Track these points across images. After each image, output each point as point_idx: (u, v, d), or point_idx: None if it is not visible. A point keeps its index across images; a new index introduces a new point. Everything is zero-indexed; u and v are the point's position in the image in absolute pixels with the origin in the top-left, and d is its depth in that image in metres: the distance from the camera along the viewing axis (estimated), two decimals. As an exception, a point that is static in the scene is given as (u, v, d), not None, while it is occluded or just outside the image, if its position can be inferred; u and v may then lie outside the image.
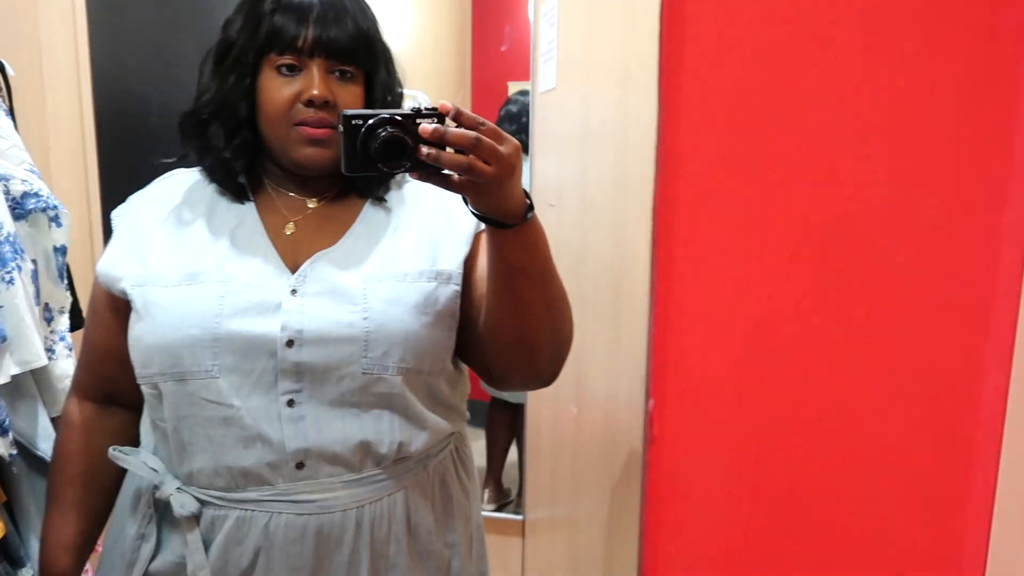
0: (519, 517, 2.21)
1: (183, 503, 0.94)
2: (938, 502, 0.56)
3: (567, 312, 0.96)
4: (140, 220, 1.02)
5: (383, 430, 0.95)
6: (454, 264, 0.99)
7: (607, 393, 1.43)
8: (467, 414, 1.09)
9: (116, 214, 1.05)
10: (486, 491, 2.64)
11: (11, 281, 1.20)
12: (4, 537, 1.23)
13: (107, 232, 2.03)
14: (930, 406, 0.55)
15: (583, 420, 1.59)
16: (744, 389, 0.84)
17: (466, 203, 0.83)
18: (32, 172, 1.31)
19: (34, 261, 1.31)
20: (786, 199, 0.75)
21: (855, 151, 0.62)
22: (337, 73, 0.95)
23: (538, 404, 2.03)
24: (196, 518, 0.95)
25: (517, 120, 2.34)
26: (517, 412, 2.66)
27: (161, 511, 0.99)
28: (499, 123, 2.30)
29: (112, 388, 1.07)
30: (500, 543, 2.22)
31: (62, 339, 1.37)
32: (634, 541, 1.13)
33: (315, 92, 0.92)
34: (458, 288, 0.99)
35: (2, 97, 1.35)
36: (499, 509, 2.60)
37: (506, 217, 0.82)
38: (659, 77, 1.00)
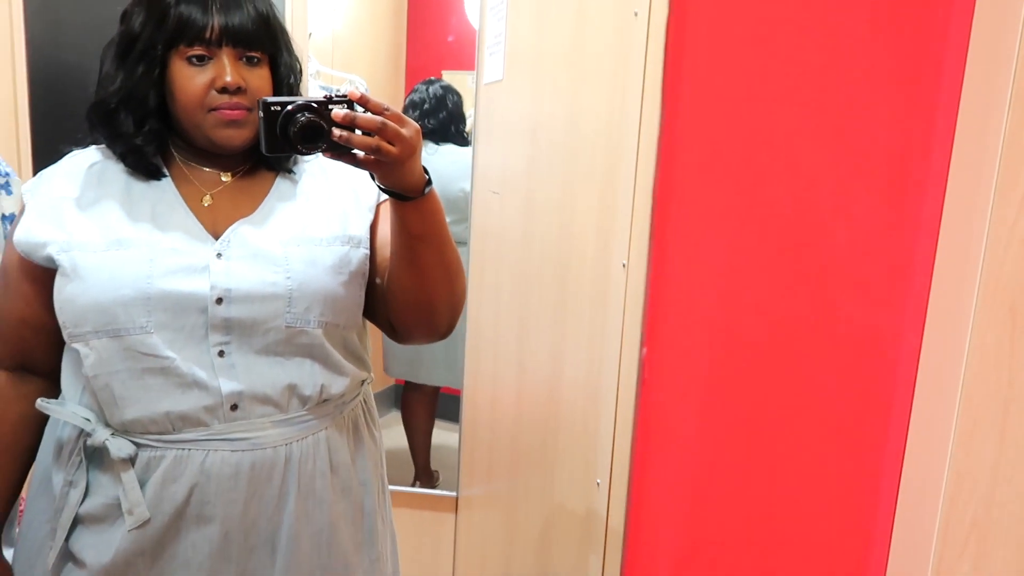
0: (452, 494, 2.28)
1: (119, 447, 1.01)
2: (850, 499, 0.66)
3: (461, 274, 1.09)
4: (53, 194, 1.06)
5: (306, 375, 1.06)
6: (362, 230, 1.10)
7: (551, 372, 1.50)
8: (371, 366, 1.21)
9: (27, 188, 1.08)
10: (417, 480, 2.71)
11: (-39, 248, 1.19)
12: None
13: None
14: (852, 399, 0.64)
15: (525, 401, 1.66)
16: (709, 390, 0.93)
17: (373, 178, 0.95)
18: (-19, 139, 1.29)
19: (-18, 229, 1.29)
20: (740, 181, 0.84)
21: (806, 150, 0.71)
22: (245, 59, 1.03)
23: (474, 385, 2.09)
24: (131, 461, 1.01)
25: (420, 107, 2.56)
26: (432, 396, 2.76)
27: (90, 457, 1.04)
28: (403, 110, 2.54)
29: (26, 357, 1.11)
30: (433, 518, 2.29)
31: (8, 309, 1.35)
32: (620, 510, 1.20)
33: (228, 80, 1.00)
34: (367, 252, 1.10)
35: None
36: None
37: (408, 190, 0.95)
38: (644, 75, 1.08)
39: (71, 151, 1.11)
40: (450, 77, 2.89)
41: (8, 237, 1.06)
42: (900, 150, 0.59)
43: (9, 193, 1.31)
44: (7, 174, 1.29)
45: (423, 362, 2.68)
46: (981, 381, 0.50)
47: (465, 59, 2.64)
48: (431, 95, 2.58)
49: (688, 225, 1.00)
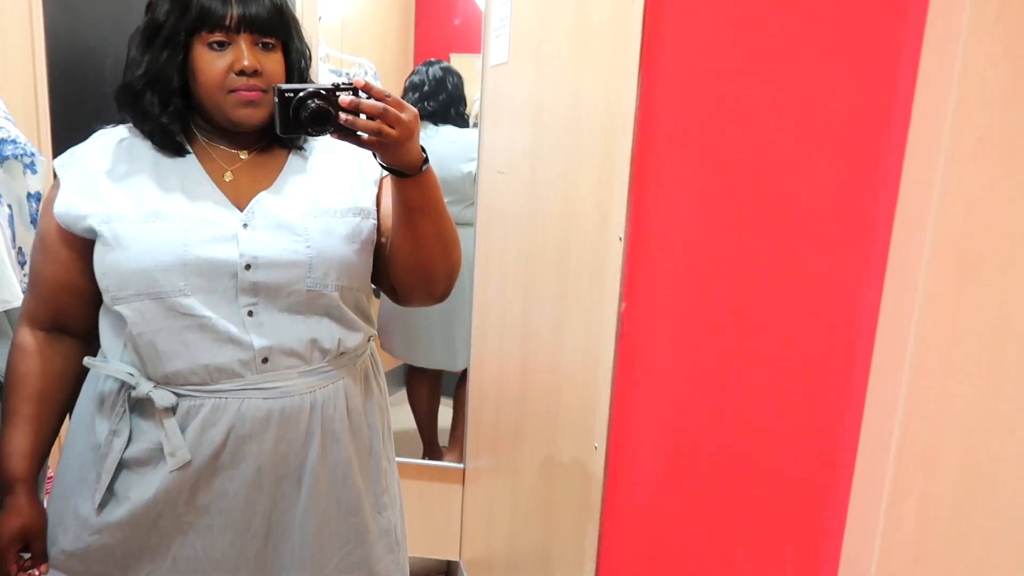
0: (459, 466, 2.34)
1: (163, 397, 1.12)
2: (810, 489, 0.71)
3: (456, 243, 1.22)
4: (87, 169, 1.15)
5: (325, 331, 1.18)
6: (370, 203, 1.23)
7: (553, 345, 1.56)
8: (375, 324, 1.33)
9: (59, 163, 1.18)
10: (425, 455, 2.78)
11: (-9, 223, 1.25)
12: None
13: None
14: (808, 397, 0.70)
15: (529, 373, 1.72)
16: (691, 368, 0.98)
17: (375, 157, 1.07)
18: (7, 119, 1.34)
19: (9, 206, 1.34)
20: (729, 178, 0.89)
21: (773, 120, 0.76)
22: (260, 45, 1.12)
23: (480, 361, 2.15)
24: (172, 410, 1.13)
25: (420, 89, 2.56)
26: (434, 377, 2.81)
27: (133, 408, 1.15)
28: (404, 92, 2.58)
29: (63, 319, 1.21)
30: (442, 490, 2.35)
31: (35, 283, 1.41)
32: (598, 480, 1.27)
33: (245, 63, 1.10)
34: (375, 222, 1.23)
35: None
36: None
37: (407, 168, 1.07)
38: (640, 61, 1.14)
39: (99, 130, 1.19)
40: (458, 60, 2.91)
41: (42, 211, 1.15)
42: (861, 117, 0.64)
43: (34, 172, 1.37)
44: (32, 154, 1.35)
45: (420, 346, 2.73)
46: (932, 324, 0.55)
47: (473, 42, 2.64)
48: (431, 77, 2.59)
49: (664, 193, 1.06)
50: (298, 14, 1.38)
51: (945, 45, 0.54)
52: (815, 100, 0.69)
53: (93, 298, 1.17)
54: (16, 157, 1.34)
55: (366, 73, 3.02)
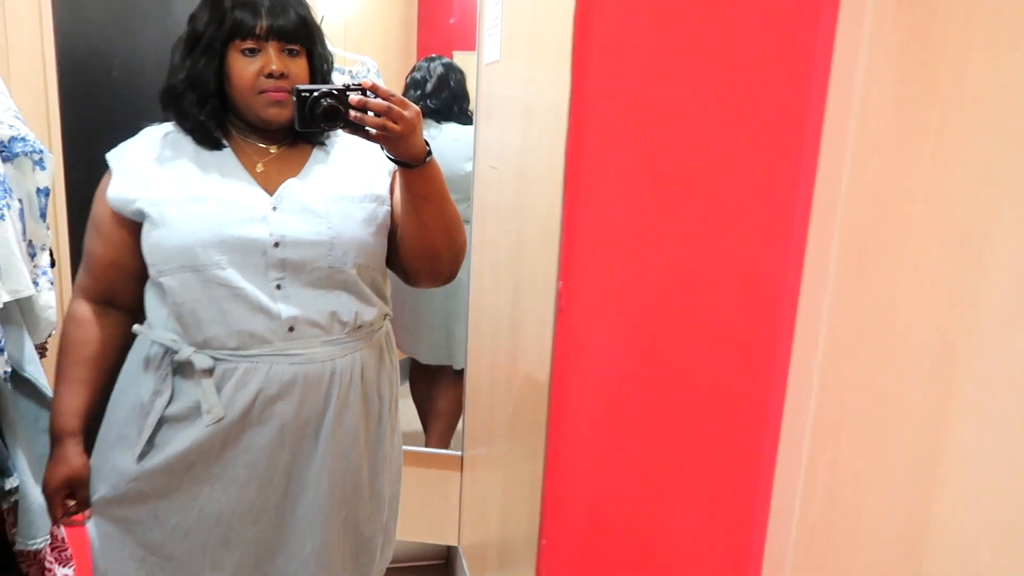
0: (458, 453, 2.40)
1: (202, 360, 1.26)
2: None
3: (459, 228, 1.34)
4: (135, 159, 1.31)
5: (344, 304, 1.31)
6: (384, 191, 1.36)
7: (539, 336, 1.61)
8: (390, 304, 1.46)
9: (111, 156, 1.33)
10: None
11: (2, 217, 1.32)
12: (-6, 450, 1.36)
13: (68, 179, 2.12)
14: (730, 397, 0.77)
15: (518, 363, 1.77)
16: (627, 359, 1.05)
17: (383, 150, 1.20)
18: (17, 119, 1.41)
19: (20, 201, 1.42)
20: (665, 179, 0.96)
21: (697, 115, 0.83)
22: (287, 51, 1.27)
23: (477, 352, 2.20)
24: (210, 372, 1.27)
25: (422, 86, 2.53)
26: (437, 373, 2.79)
27: (175, 371, 1.29)
28: (405, 88, 2.56)
29: (112, 293, 1.36)
30: (441, 476, 2.42)
31: (44, 273, 1.48)
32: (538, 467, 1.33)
33: (273, 67, 1.25)
34: (389, 208, 1.36)
35: (-14, 47, 1.45)
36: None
37: (411, 159, 1.20)
38: (572, 57, 1.21)
39: (145, 127, 1.36)
40: (460, 57, 2.95)
41: (96, 197, 1.33)
42: (779, 117, 0.70)
43: (43, 169, 1.44)
44: (41, 151, 1.42)
45: (422, 342, 2.73)
46: (841, 302, 0.61)
47: (474, 40, 2.65)
48: (433, 73, 2.55)
49: (597, 181, 1.13)
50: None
51: (851, 49, 0.59)
52: (738, 96, 0.75)
53: (139, 275, 1.32)
54: (26, 154, 1.41)
55: (368, 71, 3.06)
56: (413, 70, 2.63)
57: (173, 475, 1.30)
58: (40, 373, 1.46)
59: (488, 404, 2.08)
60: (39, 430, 1.47)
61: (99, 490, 1.34)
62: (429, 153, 1.21)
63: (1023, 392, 0.46)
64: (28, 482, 1.45)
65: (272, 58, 1.25)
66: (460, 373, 2.52)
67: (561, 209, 1.25)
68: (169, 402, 1.29)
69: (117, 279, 1.34)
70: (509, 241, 1.84)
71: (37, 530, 1.47)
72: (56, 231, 2.07)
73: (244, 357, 1.27)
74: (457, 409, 2.64)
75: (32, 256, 1.46)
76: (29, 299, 1.42)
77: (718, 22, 0.79)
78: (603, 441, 1.10)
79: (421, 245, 1.32)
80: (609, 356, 1.08)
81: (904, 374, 0.54)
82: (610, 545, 1.06)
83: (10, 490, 1.41)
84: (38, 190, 1.45)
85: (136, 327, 1.32)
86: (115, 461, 1.32)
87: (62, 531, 1.65)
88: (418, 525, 2.46)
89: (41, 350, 1.53)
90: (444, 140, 2.58)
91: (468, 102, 2.62)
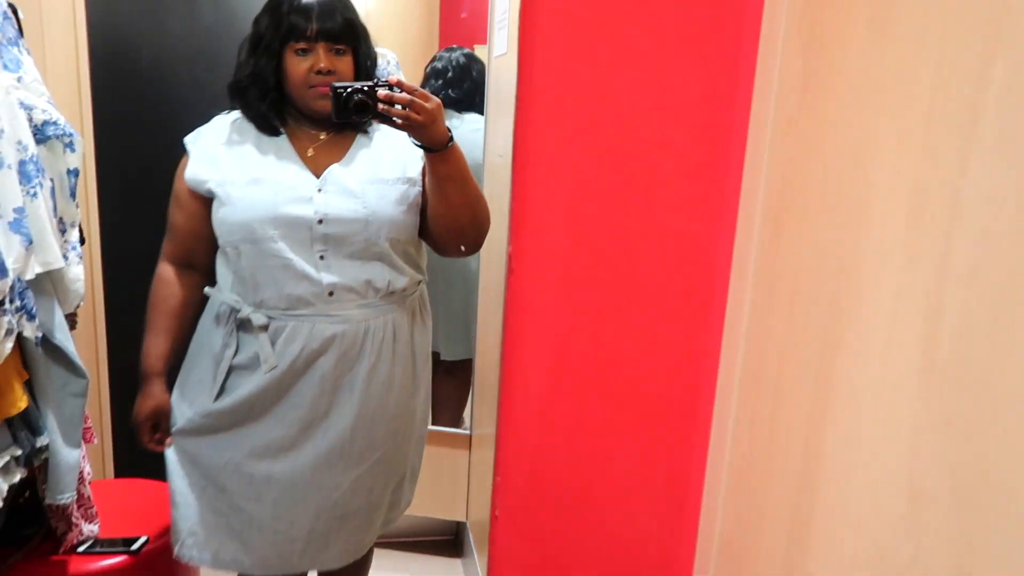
0: (466, 432, 2.48)
1: (259, 318, 1.49)
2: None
3: (482, 205, 1.51)
4: (207, 144, 1.54)
5: (378, 273, 1.51)
6: (416, 173, 1.54)
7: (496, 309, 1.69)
8: (426, 272, 1.64)
9: (188, 140, 1.57)
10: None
11: (35, 195, 1.43)
12: (26, 409, 1.47)
13: (99, 161, 2.22)
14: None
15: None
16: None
17: (410, 137, 1.39)
18: (50, 103, 1.52)
19: (52, 180, 1.52)
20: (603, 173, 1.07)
21: (638, 106, 0.92)
22: (334, 51, 1.47)
23: (484, 337, 2.28)
24: (265, 328, 1.49)
25: (443, 76, 2.53)
26: (451, 367, 2.76)
27: (239, 326, 1.52)
28: (425, 78, 2.57)
29: (190, 257, 1.61)
30: (450, 454, 2.50)
31: (74, 248, 1.59)
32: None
33: (322, 65, 1.45)
34: (420, 189, 1.53)
35: (21, 37, 1.55)
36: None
37: (434, 144, 1.38)
38: (518, 59, 1.32)
39: (216, 115, 1.59)
40: (481, 51, 3.01)
41: (177, 175, 1.56)
42: (712, 100, 0.77)
43: (73, 151, 1.55)
44: (71, 134, 1.52)
45: (441, 340, 2.71)
46: (763, 264, 0.69)
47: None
48: (454, 63, 2.54)
49: (544, 156, 1.25)
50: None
51: (771, 43, 0.67)
52: (676, 86, 0.83)
53: (213, 241, 1.54)
54: (57, 137, 1.51)
55: (388, 63, 3.14)
56: (433, 60, 2.63)
57: (236, 415, 1.52)
58: (69, 341, 1.57)
59: (494, 383, 2.16)
60: (68, 394, 1.58)
61: (178, 423, 1.57)
62: (451, 139, 1.39)
63: (892, 340, 0.53)
64: (57, 441, 1.56)
65: (321, 57, 1.45)
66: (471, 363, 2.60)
67: (510, 186, 1.36)
68: (235, 353, 1.52)
69: (195, 245, 1.58)
70: (493, 235, 1.92)
71: (65, 486, 1.59)
72: (87, 210, 2.19)
73: (292, 316, 1.48)
74: (465, 394, 2.70)
75: (63, 232, 1.57)
76: (60, 271, 1.52)
77: (656, 26, 0.87)
78: (549, 389, 1.21)
79: (446, 219, 1.50)
80: (555, 313, 1.17)
81: (803, 330, 0.61)
82: (557, 495, 1.15)
83: (41, 448, 1.53)
84: (68, 171, 1.55)
85: (207, 289, 1.57)
86: (192, 401, 1.56)
87: (88, 490, 1.77)
88: (428, 501, 2.55)
89: (71, 321, 1.63)
90: (465, 130, 2.61)
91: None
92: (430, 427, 2.67)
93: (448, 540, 2.75)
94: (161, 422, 1.61)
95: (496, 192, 2.06)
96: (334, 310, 1.49)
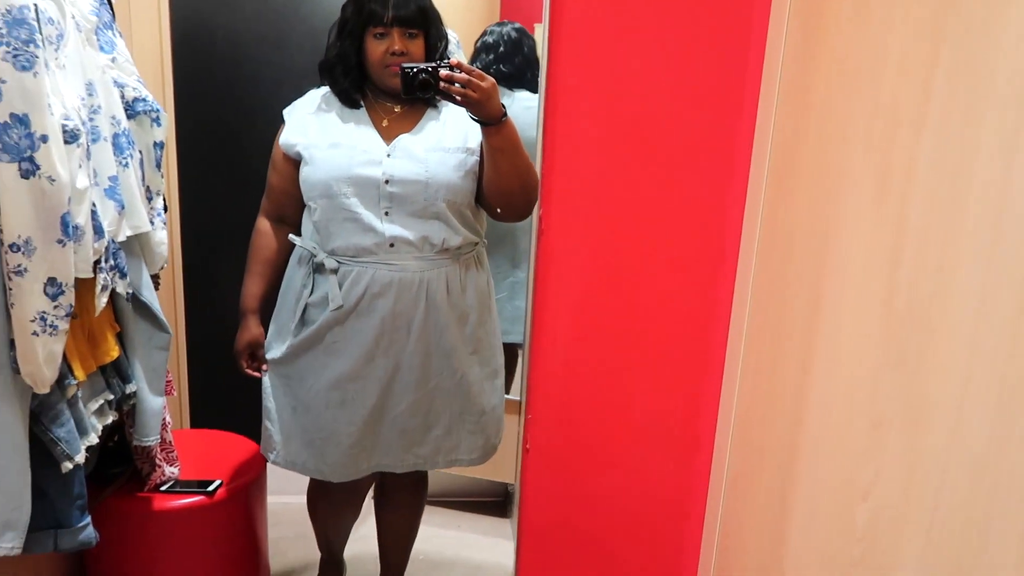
0: (516, 398, 2.59)
1: (330, 263, 1.72)
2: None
3: (532, 176, 1.65)
4: (300, 114, 1.79)
5: (434, 230, 1.71)
6: (475, 144, 1.72)
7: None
8: (483, 233, 1.84)
9: (286, 111, 1.82)
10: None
11: (127, 165, 1.58)
12: (117, 359, 1.64)
13: (179, 135, 2.39)
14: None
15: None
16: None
17: (467, 112, 1.58)
18: (140, 82, 1.67)
19: (140, 152, 1.68)
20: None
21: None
22: (408, 35, 1.67)
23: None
24: (335, 271, 1.72)
25: (495, 50, 2.51)
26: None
27: (315, 269, 1.76)
28: (476, 53, 2.54)
29: (283, 212, 1.87)
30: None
31: (159, 215, 1.75)
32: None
33: (396, 47, 1.66)
34: (478, 158, 1.72)
35: (114, 21, 1.70)
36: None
37: (488, 119, 1.58)
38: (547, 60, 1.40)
39: (309, 91, 1.83)
40: (541, 29, 3.07)
41: (275, 143, 1.80)
42: (723, 83, 0.85)
43: (159, 125, 1.69)
44: (158, 110, 1.67)
45: (516, 323, 2.71)
46: (766, 232, 0.77)
47: None
48: (505, 38, 2.52)
49: (572, 134, 1.34)
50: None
51: (775, 42, 0.75)
52: (690, 72, 0.91)
53: (301, 200, 1.78)
54: (145, 112, 1.66)
55: (450, 44, 3.22)
56: (484, 34, 2.59)
57: (312, 345, 1.77)
58: (154, 299, 1.73)
59: (526, 328, 2.25)
60: (153, 347, 1.75)
61: (272, 353, 1.84)
62: (505, 115, 1.58)
63: (861, 294, 0.61)
64: (144, 389, 1.73)
65: (395, 40, 1.66)
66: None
67: (540, 154, 1.47)
68: (311, 293, 1.76)
69: (287, 202, 1.83)
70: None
71: (150, 429, 1.76)
72: (168, 180, 2.36)
73: (357, 262, 1.71)
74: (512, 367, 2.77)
75: (149, 200, 1.72)
76: (147, 235, 1.68)
77: (672, 33, 0.94)
78: (574, 337, 1.32)
79: (498, 186, 1.68)
80: (580, 267, 1.29)
81: (796, 288, 0.69)
82: (582, 433, 1.25)
83: (130, 394, 1.70)
84: (155, 143, 1.70)
85: (291, 236, 1.82)
86: (283, 336, 1.82)
87: (170, 435, 1.95)
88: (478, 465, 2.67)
89: (155, 281, 1.80)
90: (516, 108, 2.62)
91: (539, 69, 2.64)
92: (482, 392, 2.81)
93: (498, 501, 2.88)
94: (256, 351, 1.89)
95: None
96: (394, 259, 1.70)
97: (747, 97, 0.78)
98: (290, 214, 1.85)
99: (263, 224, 1.89)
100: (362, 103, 1.75)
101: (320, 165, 1.70)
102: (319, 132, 1.73)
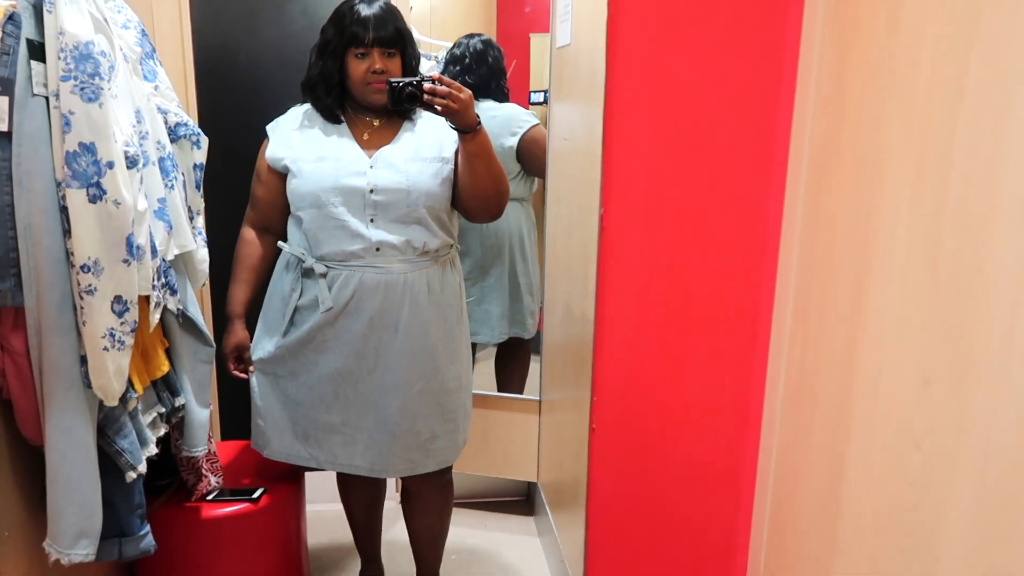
0: (536, 398, 2.67)
1: (319, 267, 1.83)
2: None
3: (504, 179, 1.85)
4: (284, 129, 1.92)
5: (416, 234, 1.83)
6: (450, 153, 1.87)
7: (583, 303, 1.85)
8: (456, 238, 1.97)
9: (269, 127, 1.95)
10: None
11: (172, 187, 1.65)
12: (167, 373, 1.71)
13: (209, 154, 2.46)
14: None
15: (587, 310, 2.01)
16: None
17: (447, 121, 1.73)
18: (180, 107, 1.75)
19: (182, 174, 1.75)
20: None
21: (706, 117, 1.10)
22: (387, 54, 1.81)
23: (552, 305, 2.46)
24: (324, 275, 1.82)
25: (460, 62, 2.59)
26: (504, 349, 2.87)
27: (304, 274, 1.86)
28: (445, 65, 2.62)
29: (267, 222, 1.97)
30: (522, 419, 2.69)
31: (200, 233, 1.82)
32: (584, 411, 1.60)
33: (377, 66, 1.80)
34: (453, 166, 1.86)
35: (155, 51, 1.78)
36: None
37: (465, 127, 1.73)
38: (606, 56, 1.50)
39: (292, 107, 1.96)
40: (536, 40, 3.15)
41: (259, 155, 1.92)
42: (762, 87, 0.94)
43: (199, 148, 1.77)
44: (198, 134, 1.75)
45: (482, 327, 2.78)
46: (807, 213, 0.86)
47: (548, 23, 2.72)
48: (471, 50, 2.59)
49: (631, 133, 1.45)
50: (396, 4, 2.01)
51: (809, 54, 0.83)
52: (732, 78, 1.00)
53: (285, 211, 1.91)
54: (186, 136, 1.74)
55: (437, 59, 3.28)
56: (453, 46, 2.66)
57: (303, 345, 1.88)
58: (199, 314, 1.80)
59: (562, 358, 2.33)
60: (199, 360, 1.82)
61: (258, 353, 1.95)
62: (479, 123, 1.74)
63: (906, 267, 0.69)
64: (191, 401, 1.80)
65: (376, 59, 1.79)
66: (526, 342, 2.73)
67: (600, 157, 1.57)
68: (300, 296, 1.87)
69: (271, 213, 1.95)
70: (578, 203, 2.08)
71: (198, 440, 1.83)
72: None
73: (346, 266, 1.82)
74: (524, 372, 2.83)
75: (191, 219, 1.79)
76: (190, 254, 1.75)
77: (718, 47, 1.03)
78: (635, 326, 1.45)
79: (475, 189, 1.83)
80: (638, 260, 1.39)
81: (840, 268, 0.77)
82: (642, 415, 1.34)
83: (179, 407, 1.77)
84: (195, 165, 1.78)
85: (280, 243, 1.94)
86: (270, 335, 1.93)
87: (214, 446, 2.02)
88: (501, 463, 2.75)
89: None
90: (483, 117, 2.66)
91: (505, 79, 2.63)
92: (502, 394, 2.88)
93: (521, 500, 2.95)
94: (243, 354, 1.99)
95: (564, 171, 2.22)
96: (380, 263, 1.82)
97: (782, 102, 0.87)
98: (275, 223, 1.96)
99: (248, 233, 1.99)
100: (343, 118, 1.88)
101: (308, 177, 1.81)
102: (304, 146, 1.84)
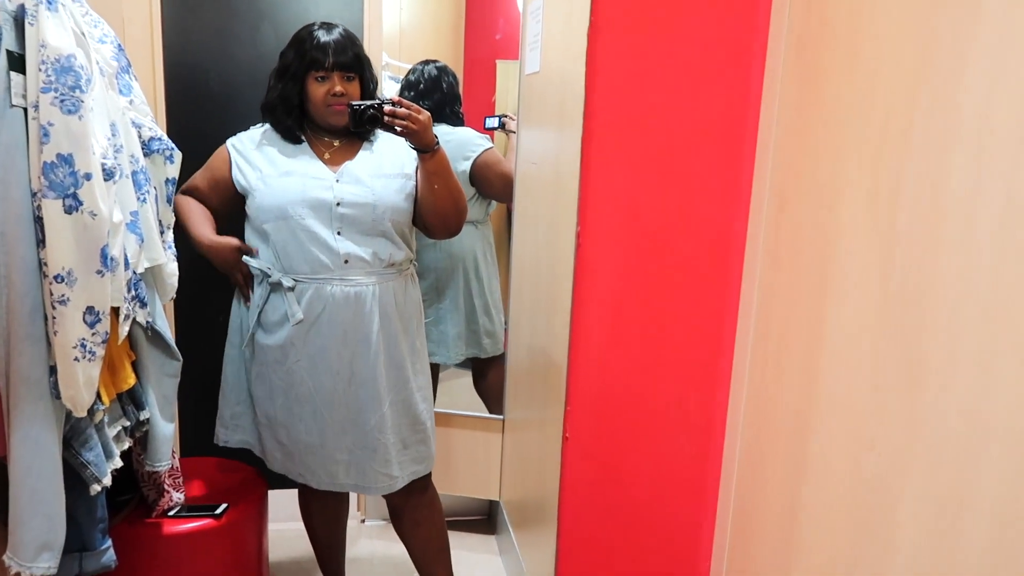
0: (500, 417, 2.69)
1: (288, 281, 1.87)
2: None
3: (462, 197, 1.94)
4: (245, 146, 1.98)
5: (382, 247, 1.90)
6: (411, 170, 1.96)
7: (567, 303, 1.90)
8: (414, 253, 2.03)
9: (231, 141, 2.01)
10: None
11: (144, 200, 1.66)
12: (132, 386, 1.71)
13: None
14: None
15: (551, 331, 2.06)
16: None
17: (407, 141, 1.81)
18: (154, 122, 1.76)
19: (154, 188, 1.76)
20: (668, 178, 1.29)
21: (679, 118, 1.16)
22: (346, 77, 1.89)
23: (516, 328, 2.50)
24: (292, 289, 1.86)
25: (415, 88, 2.65)
26: (483, 366, 2.86)
27: (271, 288, 1.89)
28: (402, 88, 2.68)
29: (201, 197, 2.04)
30: (485, 438, 2.71)
31: (169, 247, 1.82)
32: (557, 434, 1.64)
33: (337, 89, 1.88)
34: (415, 183, 1.95)
35: (130, 66, 1.79)
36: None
37: (425, 147, 1.81)
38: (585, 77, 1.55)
39: (254, 126, 2.01)
40: (503, 66, 3.20)
41: (216, 152, 2.00)
42: (729, 115, 1.00)
43: (172, 163, 1.78)
44: (171, 149, 1.76)
45: (441, 348, 2.78)
46: (768, 241, 0.91)
47: (516, 50, 2.78)
48: (426, 76, 2.66)
49: (605, 155, 1.50)
50: (365, 27, 2.42)
51: (772, 88, 0.90)
52: (701, 106, 1.06)
53: (216, 209, 2.01)
54: (160, 151, 1.75)
55: (379, 83, 3.29)
56: (409, 72, 2.72)
57: (275, 354, 1.90)
58: (167, 327, 1.80)
59: (526, 380, 2.37)
60: (164, 374, 1.82)
61: (232, 347, 2.00)
62: (437, 143, 1.82)
63: (860, 283, 0.75)
64: (156, 415, 1.80)
65: (336, 83, 1.87)
66: (498, 358, 2.76)
67: (578, 177, 1.63)
68: (265, 310, 1.90)
69: (204, 195, 2.02)
70: (545, 226, 2.13)
71: (162, 455, 1.82)
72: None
73: (314, 279, 1.86)
74: (501, 386, 2.86)
75: (161, 233, 1.80)
76: (160, 267, 1.76)
77: (688, 51, 1.10)
78: (607, 338, 1.49)
79: (434, 206, 1.91)
80: (612, 276, 1.45)
81: (801, 285, 0.83)
82: (613, 423, 1.38)
83: (143, 421, 1.76)
84: (167, 180, 1.79)
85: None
86: (240, 352, 1.98)
87: (177, 462, 2.00)
88: (462, 482, 2.76)
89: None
90: None
91: (459, 104, 2.71)
92: (466, 412, 2.89)
93: (482, 519, 2.96)
94: (241, 256, 1.96)
95: (532, 193, 2.27)
96: (349, 275, 1.86)
97: (747, 133, 0.93)
98: (203, 202, 2.03)
99: (187, 197, 2.03)
100: (303, 139, 1.94)
101: (275, 190, 1.86)
102: (267, 163, 1.91)
